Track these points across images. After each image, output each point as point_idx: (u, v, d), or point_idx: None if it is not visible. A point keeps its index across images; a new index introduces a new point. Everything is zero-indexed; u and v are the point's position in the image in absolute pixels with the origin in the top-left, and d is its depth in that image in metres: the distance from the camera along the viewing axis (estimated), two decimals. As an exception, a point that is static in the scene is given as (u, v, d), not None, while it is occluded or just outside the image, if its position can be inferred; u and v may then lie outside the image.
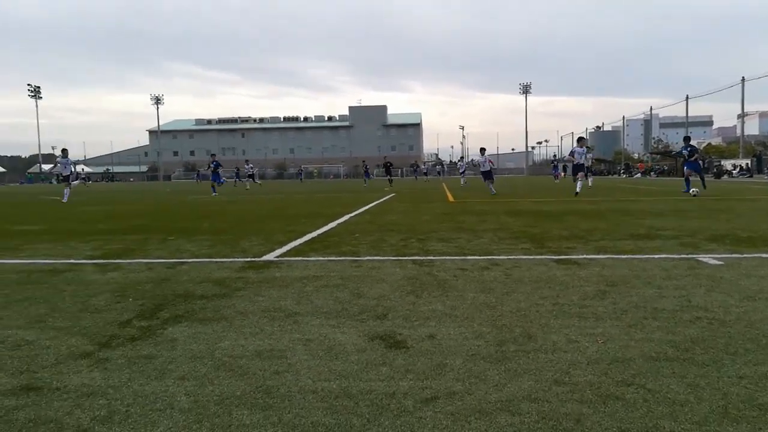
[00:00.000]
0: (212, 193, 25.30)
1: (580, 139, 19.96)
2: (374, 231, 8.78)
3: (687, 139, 19.52)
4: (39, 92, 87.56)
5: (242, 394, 2.49)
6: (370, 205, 15.70)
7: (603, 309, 3.80)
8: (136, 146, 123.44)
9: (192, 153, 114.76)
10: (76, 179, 21.03)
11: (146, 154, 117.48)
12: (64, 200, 19.18)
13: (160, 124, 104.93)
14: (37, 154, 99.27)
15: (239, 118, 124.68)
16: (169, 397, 2.46)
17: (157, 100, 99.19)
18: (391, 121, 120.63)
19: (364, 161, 44.60)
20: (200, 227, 10.06)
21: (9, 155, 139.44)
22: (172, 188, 37.82)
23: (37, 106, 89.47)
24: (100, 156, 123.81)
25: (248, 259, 6.16)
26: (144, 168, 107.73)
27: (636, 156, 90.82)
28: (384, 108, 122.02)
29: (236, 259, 6.17)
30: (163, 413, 2.30)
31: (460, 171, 37.47)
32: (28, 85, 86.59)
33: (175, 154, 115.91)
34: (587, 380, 2.58)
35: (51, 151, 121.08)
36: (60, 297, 4.41)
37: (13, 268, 5.78)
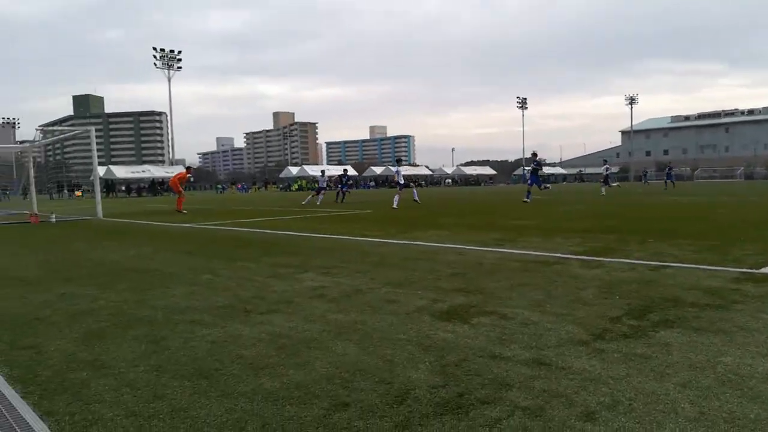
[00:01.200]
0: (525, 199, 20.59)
1: None
2: None
3: None
4: (525, 103, 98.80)
5: (756, 419, 2.22)
6: None
7: None
8: (608, 147, 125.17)
9: (665, 152, 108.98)
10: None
11: (617, 155, 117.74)
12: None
13: (633, 123, 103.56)
14: (521, 158, 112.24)
15: (723, 111, 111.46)
16: (672, 401, 2.41)
17: (632, 100, 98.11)
18: None
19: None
20: (679, 230, 9.47)
21: (499, 159, 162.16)
22: (645, 189, 36.79)
23: (523, 115, 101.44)
24: (573, 158, 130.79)
25: (743, 270, 5.45)
26: (615, 169, 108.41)
27: None
28: None
29: (728, 269, 5.55)
30: (667, 416, 2.26)
31: None
32: (517, 97, 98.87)
33: (647, 154, 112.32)
34: None
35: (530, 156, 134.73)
36: (553, 286, 4.88)
37: (513, 257, 6.71)
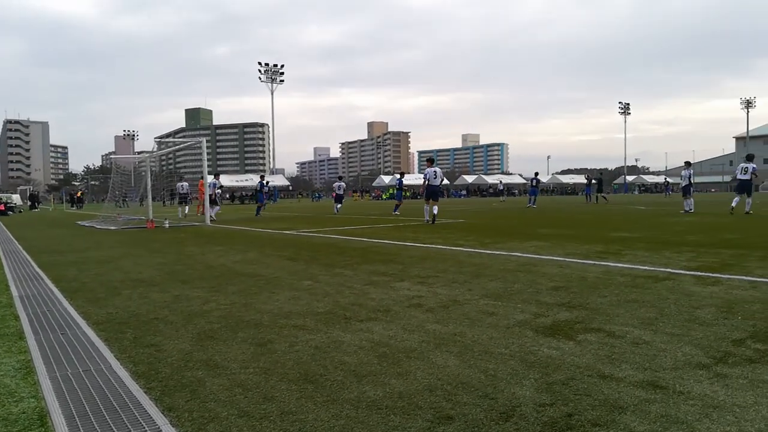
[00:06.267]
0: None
1: None
2: None
3: None
4: (628, 109, 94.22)
5: None
6: None
7: None
8: (720, 155, 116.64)
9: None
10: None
11: (731, 162, 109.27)
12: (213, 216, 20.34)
13: (749, 129, 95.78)
14: (623, 166, 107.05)
15: None
16: (811, 436, 2.18)
17: (748, 104, 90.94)
18: None
19: None
20: (809, 246, 8.60)
21: (598, 168, 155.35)
22: (762, 200, 33.80)
23: (625, 121, 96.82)
24: (682, 167, 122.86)
25: None
26: (727, 178, 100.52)
27: None
28: None
29: None
30: (806, 453, 2.06)
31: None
32: (619, 103, 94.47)
33: (765, 161, 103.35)
34: None
35: (634, 163, 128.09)
36: (665, 303, 4.59)
37: (619, 271, 6.39)
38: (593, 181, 35.33)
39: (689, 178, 19.66)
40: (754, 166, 17.49)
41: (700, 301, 4.68)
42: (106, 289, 6.03)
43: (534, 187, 30.00)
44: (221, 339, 3.85)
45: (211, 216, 20.16)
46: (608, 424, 2.33)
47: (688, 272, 6.18)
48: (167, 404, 2.71)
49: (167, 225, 17.09)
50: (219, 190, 22.45)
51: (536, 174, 31.38)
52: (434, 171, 16.17)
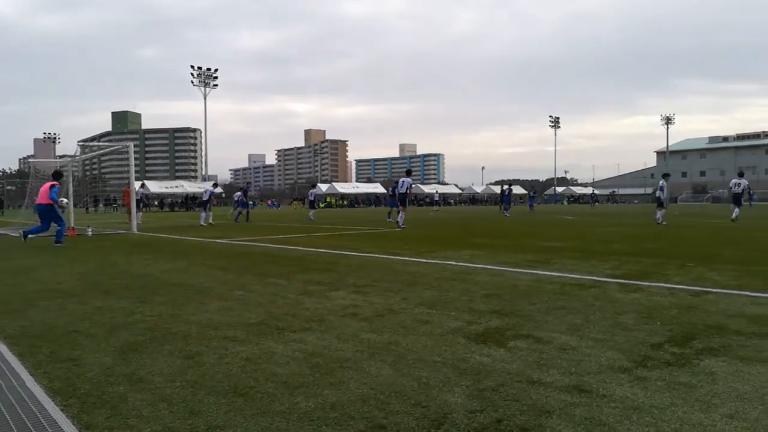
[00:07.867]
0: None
1: None
2: None
3: None
4: (558, 123, 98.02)
5: (813, 457, 2.12)
6: None
7: None
8: (642, 168, 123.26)
9: (702, 174, 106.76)
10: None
11: (652, 175, 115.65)
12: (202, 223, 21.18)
13: (669, 144, 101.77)
14: (553, 178, 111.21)
15: (763, 132, 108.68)
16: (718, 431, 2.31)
17: (668, 120, 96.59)
18: None
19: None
20: (721, 254, 9.20)
21: (529, 179, 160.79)
22: (680, 211, 35.98)
23: (555, 135, 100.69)
24: (607, 179, 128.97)
25: (791, 297, 5.25)
26: (649, 190, 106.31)
27: None
28: None
29: (774, 295, 5.36)
30: (716, 450, 2.17)
31: None
32: (550, 116, 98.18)
33: (684, 175, 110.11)
34: None
35: (564, 175, 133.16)
36: (590, 310, 4.78)
37: (548, 279, 6.60)
38: (509, 191, 34.92)
39: (664, 189, 19.61)
40: (747, 182, 20.43)
41: (622, 307, 4.89)
42: (21, 300, 5.67)
43: (507, 196, 32.59)
44: (146, 352, 3.69)
45: (210, 222, 21.50)
46: (536, 429, 2.39)
47: (612, 280, 6.45)
48: (85, 422, 2.56)
49: (90, 233, 16.30)
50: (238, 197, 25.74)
51: (510, 185, 35.20)
52: (402, 181, 18.97)
